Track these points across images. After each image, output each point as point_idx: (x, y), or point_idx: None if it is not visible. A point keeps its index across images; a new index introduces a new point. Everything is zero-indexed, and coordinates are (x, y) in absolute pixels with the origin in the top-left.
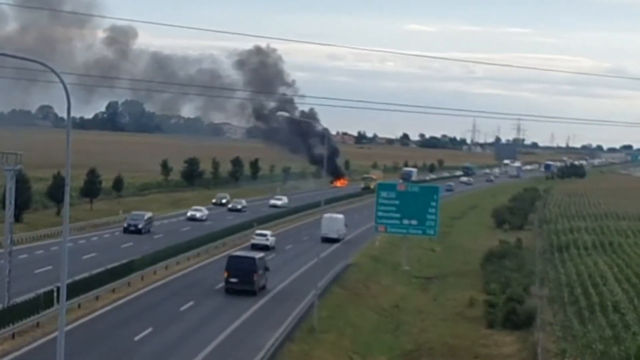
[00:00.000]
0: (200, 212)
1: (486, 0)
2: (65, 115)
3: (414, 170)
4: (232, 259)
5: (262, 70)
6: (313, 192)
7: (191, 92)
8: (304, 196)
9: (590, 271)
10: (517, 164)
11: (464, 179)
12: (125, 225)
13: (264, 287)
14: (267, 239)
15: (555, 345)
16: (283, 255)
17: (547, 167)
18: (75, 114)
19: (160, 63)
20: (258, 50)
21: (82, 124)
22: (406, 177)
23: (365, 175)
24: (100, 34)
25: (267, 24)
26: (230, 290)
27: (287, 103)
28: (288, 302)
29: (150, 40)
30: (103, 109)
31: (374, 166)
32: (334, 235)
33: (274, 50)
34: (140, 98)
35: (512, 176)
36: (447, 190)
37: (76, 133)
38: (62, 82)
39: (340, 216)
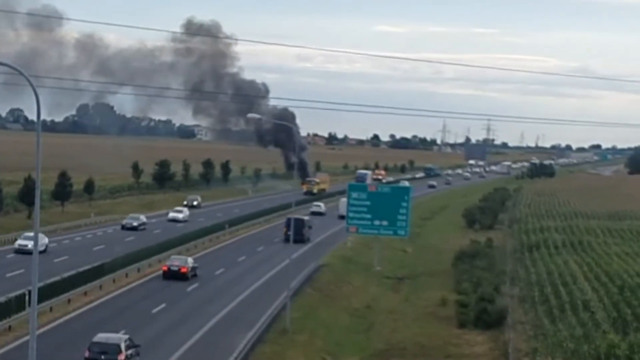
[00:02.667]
0: (28, 240)
1: (454, 1)
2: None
3: (368, 172)
4: (289, 220)
5: (203, 47)
6: (264, 197)
7: (126, 86)
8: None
9: (561, 270)
10: (507, 162)
11: (466, 174)
12: None
13: (308, 239)
14: (321, 208)
15: (526, 344)
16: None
17: (533, 165)
18: (45, 116)
19: (89, 52)
20: (190, 27)
21: (52, 127)
22: (360, 180)
23: (309, 179)
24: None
25: (234, 24)
26: (288, 241)
27: (232, 76)
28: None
29: (115, 42)
30: (74, 112)
31: (345, 167)
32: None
33: (217, 23)
34: (69, 93)
35: (503, 174)
36: (446, 184)
37: (47, 136)
38: (31, 85)
39: None
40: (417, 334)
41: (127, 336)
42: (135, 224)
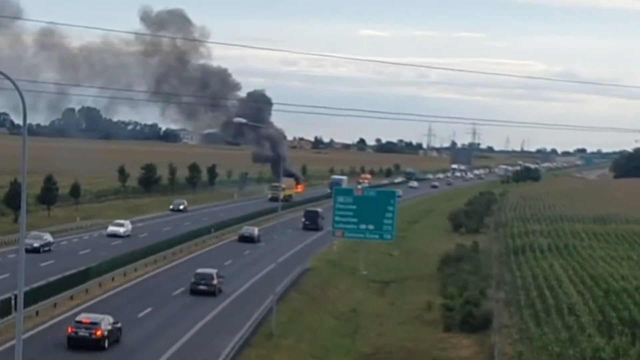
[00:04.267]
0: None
1: (439, 5)
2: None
3: (344, 177)
4: (306, 212)
5: (168, 39)
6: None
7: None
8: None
9: (546, 274)
10: (504, 166)
11: (469, 175)
12: None
13: (321, 228)
14: None
15: (511, 348)
16: None
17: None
18: (32, 120)
19: (50, 50)
20: (148, 17)
21: (38, 131)
22: (335, 186)
23: (274, 184)
24: None
25: (219, 28)
26: (305, 228)
27: (200, 68)
28: None
29: (78, 38)
30: (59, 116)
31: (331, 171)
32: None
33: (181, 11)
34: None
35: (500, 175)
36: (447, 184)
37: (33, 140)
38: (17, 89)
39: None
40: (403, 337)
41: (216, 270)
42: (36, 244)
